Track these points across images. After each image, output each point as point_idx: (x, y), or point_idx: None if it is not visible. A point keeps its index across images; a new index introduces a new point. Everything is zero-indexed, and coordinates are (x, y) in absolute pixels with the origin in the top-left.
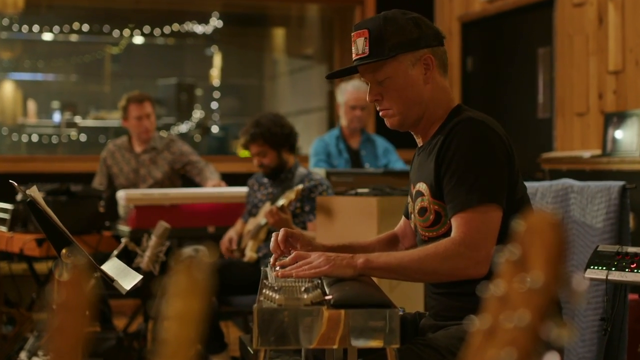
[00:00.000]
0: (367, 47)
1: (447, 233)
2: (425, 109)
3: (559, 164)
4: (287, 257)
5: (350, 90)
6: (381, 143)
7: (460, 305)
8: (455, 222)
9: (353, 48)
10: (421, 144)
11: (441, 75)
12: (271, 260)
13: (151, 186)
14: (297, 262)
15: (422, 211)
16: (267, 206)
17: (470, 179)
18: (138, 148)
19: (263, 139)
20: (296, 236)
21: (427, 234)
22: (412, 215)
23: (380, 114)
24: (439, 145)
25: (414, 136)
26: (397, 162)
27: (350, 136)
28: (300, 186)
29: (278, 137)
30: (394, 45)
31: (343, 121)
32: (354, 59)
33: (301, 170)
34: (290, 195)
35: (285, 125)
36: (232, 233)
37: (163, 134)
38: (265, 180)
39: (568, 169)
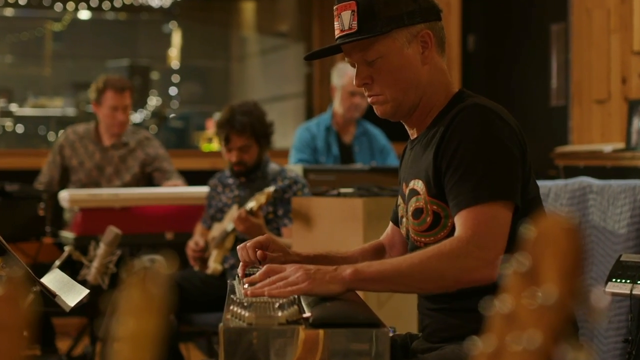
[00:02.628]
0: (355, 22)
1: (448, 237)
2: (422, 94)
3: (575, 160)
4: (257, 269)
5: (350, 73)
6: (379, 139)
7: (459, 324)
8: (460, 219)
9: (337, 23)
10: (415, 136)
11: (439, 54)
12: (239, 270)
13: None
14: (269, 278)
15: (418, 213)
16: (234, 210)
17: (478, 172)
18: (107, 141)
19: (252, 130)
20: (264, 244)
21: (422, 239)
22: (404, 219)
23: (370, 100)
24: (439, 136)
25: (406, 127)
26: None
27: (344, 127)
28: (271, 188)
29: (266, 130)
30: (387, 19)
31: (338, 108)
32: (338, 36)
33: (273, 166)
34: (261, 198)
35: (267, 117)
36: (196, 237)
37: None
38: (231, 180)
39: (586, 165)
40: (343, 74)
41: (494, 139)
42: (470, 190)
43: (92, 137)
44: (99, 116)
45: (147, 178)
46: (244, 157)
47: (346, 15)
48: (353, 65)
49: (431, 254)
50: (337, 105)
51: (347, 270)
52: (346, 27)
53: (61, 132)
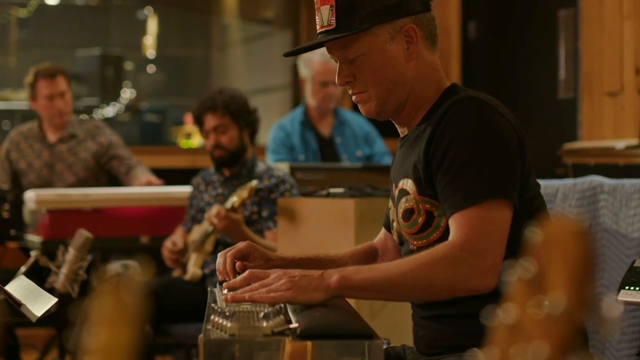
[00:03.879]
0: (334, 18)
1: (442, 239)
2: (409, 91)
3: (585, 157)
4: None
5: (318, 62)
6: (361, 126)
7: (457, 331)
8: (454, 222)
9: (317, 19)
10: (405, 134)
11: (428, 49)
12: (219, 277)
13: (71, 186)
14: (251, 284)
15: (408, 214)
16: (215, 208)
17: (473, 170)
18: (52, 136)
19: (225, 107)
20: (245, 252)
21: (414, 242)
22: (395, 223)
23: (354, 99)
24: (430, 132)
25: (396, 126)
26: (384, 155)
27: (320, 119)
28: (254, 182)
29: (243, 110)
30: (368, 14)
31: (311, 101)
32: (318, 32)
33: (260, 165)
34: (243, 193)
35: (248, 101)
36: (175, 237)
37: (84, 117)
38: (215, 178)
39: (596, 163)
40: (310, 63)
41: (488, 134)
42: (465, 191)
43: (37, 135)
44: (39, 111)
45: (105, 171)
46: (222, 139)
47: (325, 10)
48: (335, 61)
49: (422, 261)
50: (310, 98)
51: (333, 276)
52: (325, 23)
53: None
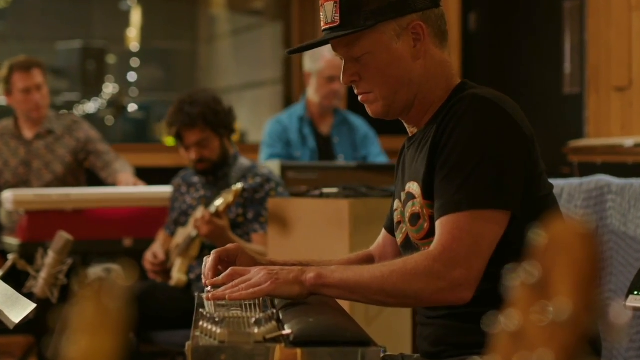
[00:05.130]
0: (338, 15)
1: None
2: (417, 90)
3: (591, 155)
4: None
5: (327, 56)
6: (361, 127)
7: (464, 327)
8: (437, 228)
9: (321, 15)
10: (413, 134)
11: (437, 46)
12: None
13: (49, 184)
14: (233, 281)
15: (414, 219)
16: (199, 212)
17: (464, 173)
18: (28, 133)
19: (204, 121)
20: (232, 253)
21: (424, 248)
22: (401, 224)
23: (360, 98)
24: (434, 132)
25: (405, 125)
26: (378, 156)
27: (320, 117)
28: (239, 185)
29: (221, 118)
30: (372, 11)
31: (313, 96)
32: (322, 29)
33: (242, 162)
34: (228, 197)
35: (222, 102)
36: (155, 247)
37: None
38: (196, 179)
39: (604, 161)
40: (319, 57)
41: (488, 135)
42: (452, 194)
43: (13, 132)
44: (15, 106)
45: (84, 167)
46: (204, 152)
47: (329, 7)
48: (341, 59)
49: (395, 268)
50: (312, 93)
51: (311, 273)
52: (329, 20)
53: None
